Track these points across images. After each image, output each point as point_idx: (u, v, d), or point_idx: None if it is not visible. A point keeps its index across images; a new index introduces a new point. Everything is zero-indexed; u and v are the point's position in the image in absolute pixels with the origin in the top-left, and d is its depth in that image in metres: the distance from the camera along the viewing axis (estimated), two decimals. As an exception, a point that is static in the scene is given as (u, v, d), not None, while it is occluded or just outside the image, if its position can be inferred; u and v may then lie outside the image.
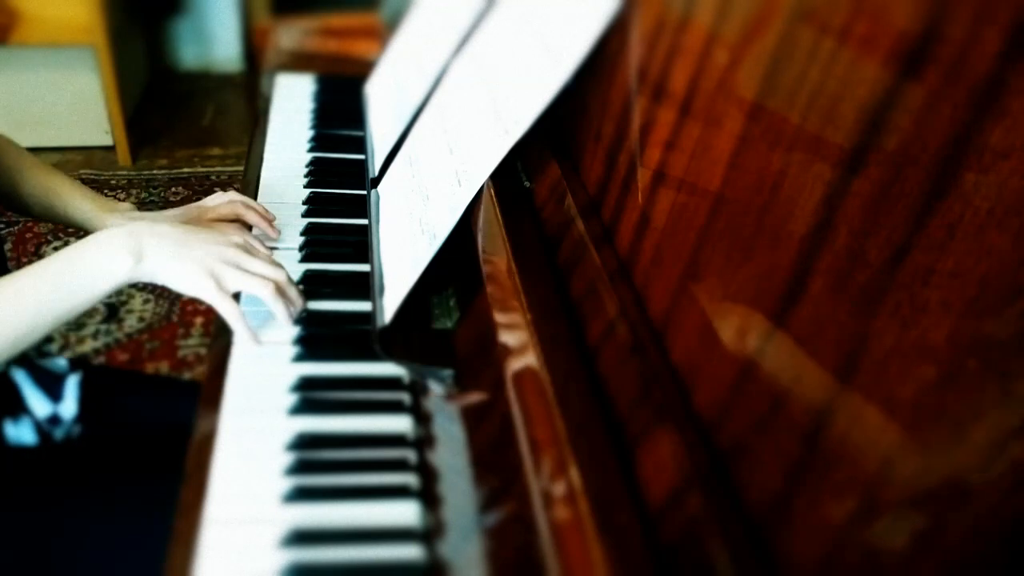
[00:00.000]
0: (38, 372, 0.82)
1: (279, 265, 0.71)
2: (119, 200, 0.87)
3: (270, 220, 0.85)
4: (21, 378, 0.81)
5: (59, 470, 0.77)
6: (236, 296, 0.70)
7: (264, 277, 0.69)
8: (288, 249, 0.86)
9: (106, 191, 2.07)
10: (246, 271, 0.68)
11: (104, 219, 0.82)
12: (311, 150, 1.09)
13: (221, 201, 0.85)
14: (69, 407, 0.82)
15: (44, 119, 2.23)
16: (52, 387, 0.81)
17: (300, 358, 0.71)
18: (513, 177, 0.73)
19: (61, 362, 0.84)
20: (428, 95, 0.92)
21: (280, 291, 0.69)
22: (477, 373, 0.63)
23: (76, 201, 0.83)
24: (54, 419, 0.81)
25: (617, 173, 0.63)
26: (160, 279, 0.66)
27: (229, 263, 0.67)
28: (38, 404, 0.80)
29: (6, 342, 0.63)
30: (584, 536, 0.43)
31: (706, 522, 0.42)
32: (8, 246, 1.91)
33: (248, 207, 0.84)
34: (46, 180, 0.84)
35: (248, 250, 0.70)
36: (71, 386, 0.82)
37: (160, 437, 0.81)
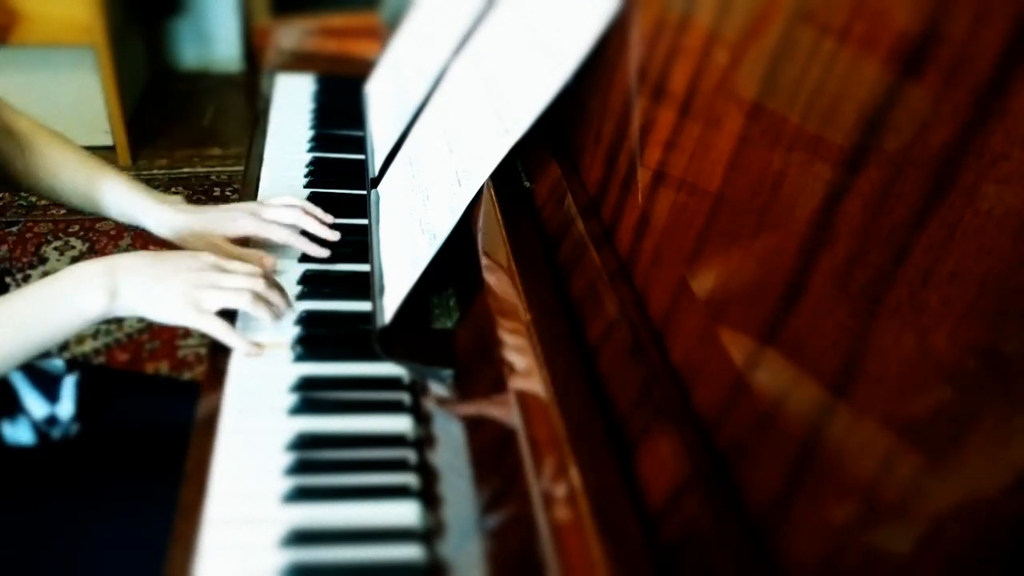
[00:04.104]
0: (34, 373, 0.82)
1: (256, 273, 0.72)
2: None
3: (328, 224, 0.85)
4: (17, 379, 0.80)
5: (59, 470, 0.77)
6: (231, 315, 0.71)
7: (239, 289, 0.69)
8: (288, 249, 0.86)
9: (106, 191, 2.07)
10: (221, 288, 0.69)
11: (157, 210, 0.83)
12: (311, 150, 1.09)
13: (282, 203, 0.84)
14: (66, 408, 0.82)
15: (44, 119, 2.22)
16: (49, 388, 0.81)
17: (300, 358, 0.71)
18: (513, 177, 0.73)
19: (57, 363, 0.84)
20: (428, 95, 0.92)
21: (259, 297, 0.70)
22: (477, 373, 0.63)
23: (128, 195, 0.84)
24: (51, 420, 0.81)
25: (617, 173, 0.63)
26: (139, 313, 0.67)
27: (204, 286, 0.68)
28: (35, 405, 0.80)
29: None
30: (584, 536, 0.43)
31: (706, 522, 0.42)
32: (6, 247, 1.91)
33: (307, 213, 0.84)
34: (98, 176, 0.85)
35: (221, 268, 0.71)
36: (68, 386, 0.82)
37: (160, 437, 0.81)
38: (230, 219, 0.82)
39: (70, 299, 0.65)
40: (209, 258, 0.71)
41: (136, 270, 0.67)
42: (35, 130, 0.88)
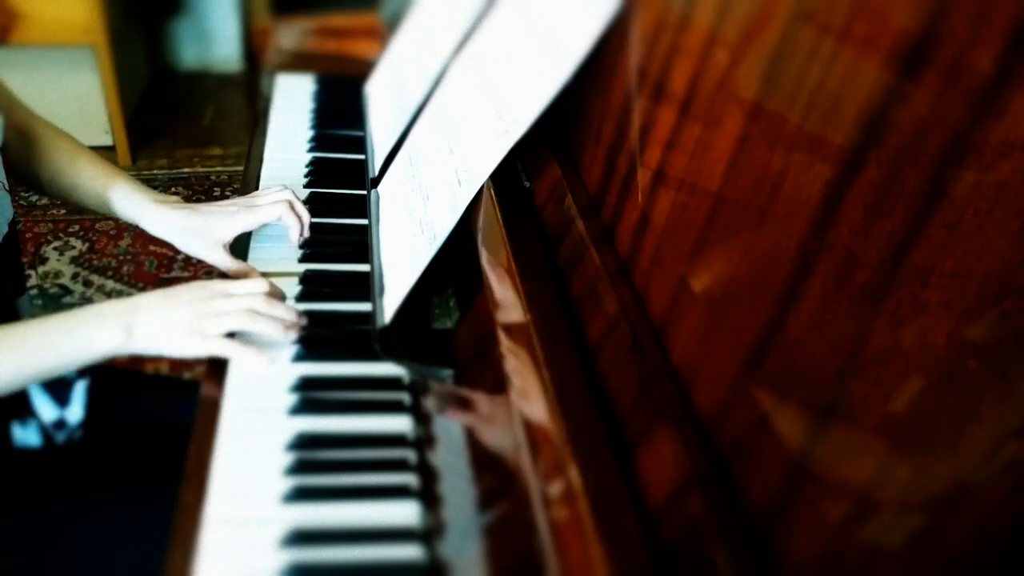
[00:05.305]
0: None
1: (255, 291, 0.71)
2: None
3: (304, 223, 0.85)
4: None
5: (60, 471, 0.77)
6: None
7: (236, 310, 0.69)
8: (288, 249, 0.86)
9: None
10: (221, 313, 0.69)
11: (154, 210, 0.83)
12: (311, 150, 1.09)
13: (271, 200, 0.84)
14: (75, 412, 0.82)
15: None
16: (60, 392, 0.82)
17: (300, 358, 0.71)
18: (513, 177, 0.73)
19: None
20: (428, 95, 0.92)
21: (258, 314, 0.69)
22: (477, 373, 0.63)
23: (128, 194, 0.84)
24: (59, 423, 0.81)
25: (617, 173, 0.63)
26: (157, 350, 0.68)
27: (207, 314, 0.68)
28: (45, 408, 0.81)
29: None
30: (584, 536, 0.43)
31: (706, 522, 0.42)
32: (8, 246, 1.91)
33: (291, 211, 0.84)
34: (102, 175, 0.86)
35: (227, 293, 0.71)
36: (79, 391, 0.83)
37: (160, 437, 0.81)
38: (226, 219, 0.81)
39: (85, 331, 0.67)
40: (217, 285, 0.71)
41: (154, 308, 0.68)
42: (47, 130, 0.90)
